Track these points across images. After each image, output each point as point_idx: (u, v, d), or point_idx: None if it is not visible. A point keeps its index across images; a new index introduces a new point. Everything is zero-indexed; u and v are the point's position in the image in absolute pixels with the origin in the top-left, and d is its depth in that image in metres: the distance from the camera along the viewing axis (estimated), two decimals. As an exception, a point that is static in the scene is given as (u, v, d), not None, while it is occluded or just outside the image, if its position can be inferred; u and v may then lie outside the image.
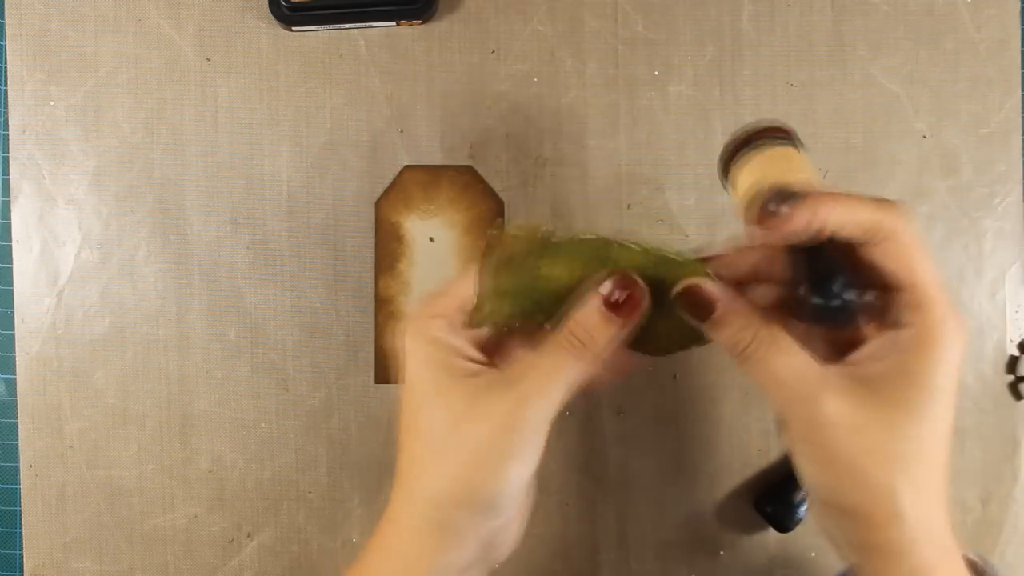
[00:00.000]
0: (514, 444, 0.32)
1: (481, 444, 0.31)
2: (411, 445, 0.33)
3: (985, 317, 0.48)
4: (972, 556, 0.33)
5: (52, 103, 0.47)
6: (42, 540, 0.47)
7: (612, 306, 0.32)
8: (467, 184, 0.48)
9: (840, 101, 0.48)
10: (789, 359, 0.31)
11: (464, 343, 0.34)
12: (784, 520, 0.46)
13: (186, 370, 0.48)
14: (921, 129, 0.48)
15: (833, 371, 0.31)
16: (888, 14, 0.48)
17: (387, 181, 0.48)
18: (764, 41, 0.48)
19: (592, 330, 0.32)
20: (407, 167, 0.48)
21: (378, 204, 0.48)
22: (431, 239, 0.47)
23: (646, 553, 0.48)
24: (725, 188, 0.37)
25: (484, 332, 0.35)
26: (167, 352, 0.48)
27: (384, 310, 0.48)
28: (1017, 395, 0.48)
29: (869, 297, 0.32)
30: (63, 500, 0.47)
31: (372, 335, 0.48)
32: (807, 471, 0.32)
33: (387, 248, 0.48)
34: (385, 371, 0.48)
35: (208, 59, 0.48)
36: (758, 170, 0.35)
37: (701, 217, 0.48)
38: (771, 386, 0.32)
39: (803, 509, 0.46)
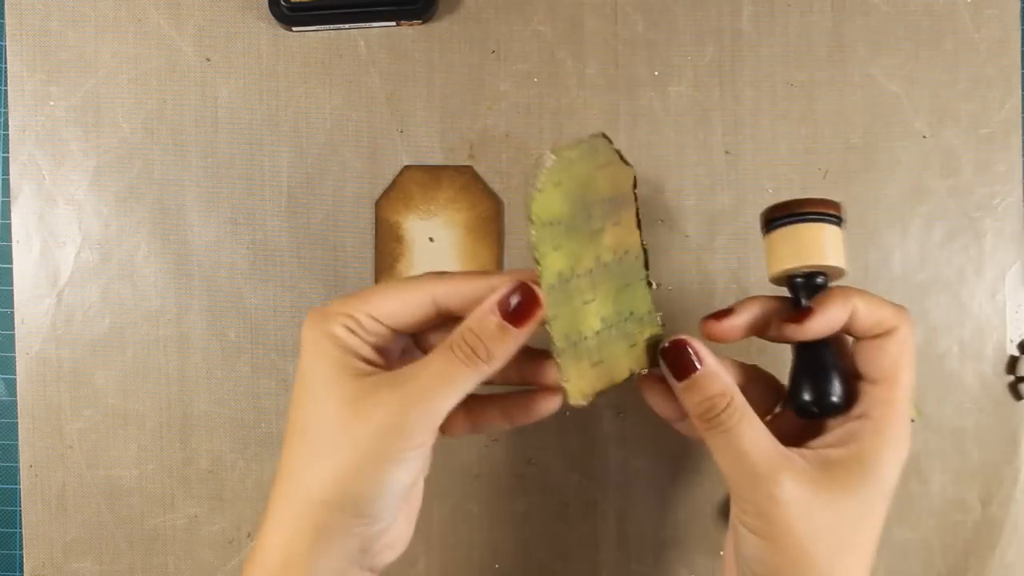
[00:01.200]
0: (395, 447, 0.31)
1: (362, 446, 0.30)
2: (294, 441, 0.32)
3: (985, 317, 0.48)
4: None
5: (52, 103, 0.47)
6: (42, 540, 0.47)
7: (507, 314, 0.31)
8: (467, 184, 0.48)
9: (840, 101, 0.48)
10: (756, 435, 0.32)
11: (362, 344, 0.32)
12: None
13: (186, 370, 0.48)
14: (921, 129, 0.48)
15: (793, 453, 0.32)
16: (888, 14, 0.48)
17: (387, 181, 0.48)
18: (764, 41, 0.48)
19: (484, 338, 0.31)
20: (407, 167, 0.48)
21: (378, 204, 0.48)
22: (431, 239, 0.47)
23: (646, 553, 0.48)
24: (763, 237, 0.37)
25: (388, 338, 0.34)
26: (167, 352, 0.48)
27: (384, 310, 0.47)
28: (1017, 395, 0.48)
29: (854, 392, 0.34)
30: (63, 500, 0.47)
31: (372, 335, 0.48)
32: (750, 546, 0.32)
33: (387, 248, 0.48)
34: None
35: (208, 59, 0.48)
36: (792, 251, 0.34)
37: (701, 217, 0.48)
38: (732, 459, 0.32)
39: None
